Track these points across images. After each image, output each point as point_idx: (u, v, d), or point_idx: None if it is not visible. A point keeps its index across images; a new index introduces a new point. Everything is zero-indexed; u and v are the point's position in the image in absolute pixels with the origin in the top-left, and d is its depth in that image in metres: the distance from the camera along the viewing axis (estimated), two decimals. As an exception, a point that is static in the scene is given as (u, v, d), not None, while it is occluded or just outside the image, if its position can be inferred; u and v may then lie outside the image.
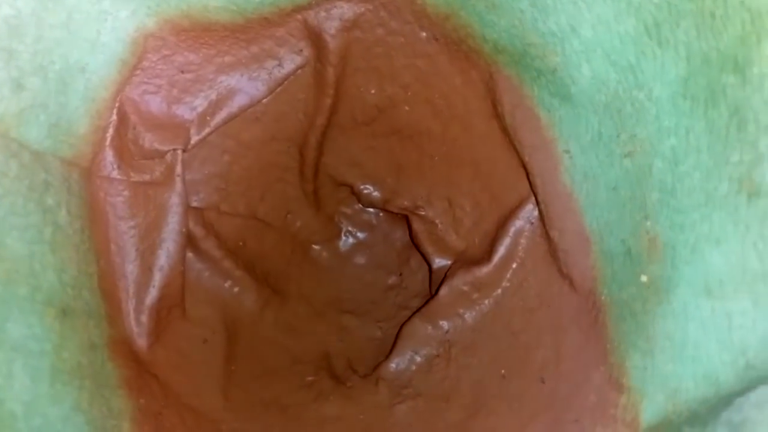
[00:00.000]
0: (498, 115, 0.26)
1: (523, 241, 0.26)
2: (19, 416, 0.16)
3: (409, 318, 0.28)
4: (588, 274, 0.23)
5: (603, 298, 0.23)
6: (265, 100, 0.27)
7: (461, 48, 0.26)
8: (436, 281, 0.29)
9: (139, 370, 0.22)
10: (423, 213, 0.30)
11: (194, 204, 0.27)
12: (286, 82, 0.27)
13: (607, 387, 0.22)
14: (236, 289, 0.28)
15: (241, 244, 0.29)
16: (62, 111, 0.21)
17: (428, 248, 0.30)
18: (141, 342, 0.23)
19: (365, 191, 0.31)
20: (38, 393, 0.17)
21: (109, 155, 0.24)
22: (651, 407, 0.20)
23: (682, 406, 0.19)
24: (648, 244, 0.21)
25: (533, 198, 0.26)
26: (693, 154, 0.19)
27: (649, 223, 0.21)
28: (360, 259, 0.32)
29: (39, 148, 0.20)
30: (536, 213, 0.26)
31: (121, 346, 0.22)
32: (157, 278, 0.24)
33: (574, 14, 0.21)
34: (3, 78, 0.18)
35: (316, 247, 0.32)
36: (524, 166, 0.25)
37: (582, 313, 0.23)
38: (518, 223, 0.26)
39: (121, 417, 0.20)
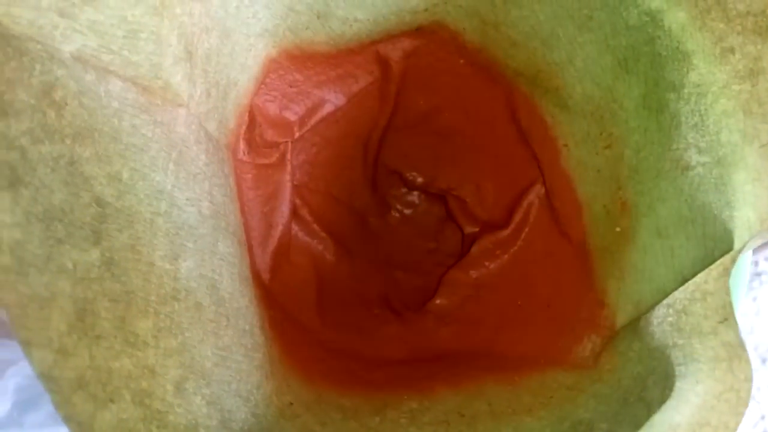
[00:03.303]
0: (515, 120, 0.36)
1: (533, 211, 0.36)
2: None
3: (449, 269, 0.38)
4: (580, 231, 0.33)
5: (589, 247, 0.32)
6: (343, 108, 0.37)
7: (489, 72, 0.35)
8: (467, 243, 0.39)
9: (266, 293, 0.32)
10: (456, 194, 0.39)
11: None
12: (359, 95, 0.37)
13: (594, 305, 0.31)
14: (321, 247, 0.37)
15: (322, 214, 0.38)
16: (223, 112, 0.30)
17: (461, 220, 0.39)
18: (265, 276, 0.33)
19: (410, 177, 0.40)
20: (233, 288, 0.26)
21: (242, 144, 0.33)
22: (622, 315, 0.29)
23: (642, 311, 0.29)
24: (620, 206, 0.30)
25: (541, 180, 0.36)
26: (649, 145, 0.29)
27: (621, 192, 0.30)
28: (404, 229, 0.42)
29: (216, 136, 0.29)
30: (543, 191, 0.36)
31: (255, 277, 0.32)
32: (275, 233, 0.34)
33: (571, 52, 0.31)
34: (201, 89, 0.28)
35: (372, 219, 0.41)
36: (535, 157, 0.35)
37: (575, 258, 0.33)
38: (530, 198, 0.36)
39: (262, 319, 0.30)
